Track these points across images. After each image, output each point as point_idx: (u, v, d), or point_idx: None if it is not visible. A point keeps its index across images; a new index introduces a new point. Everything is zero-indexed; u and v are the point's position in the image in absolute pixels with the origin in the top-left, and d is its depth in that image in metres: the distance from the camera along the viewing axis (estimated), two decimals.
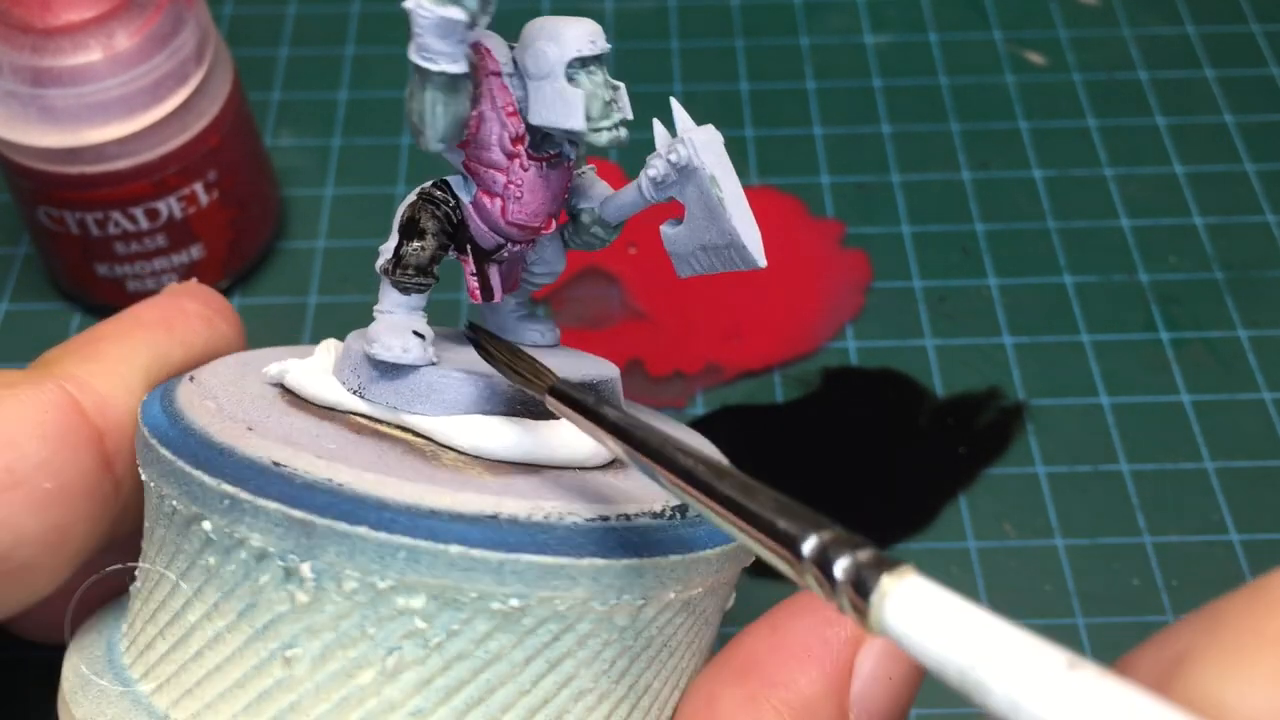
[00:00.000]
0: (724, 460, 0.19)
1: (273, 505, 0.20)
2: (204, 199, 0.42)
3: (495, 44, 0.23)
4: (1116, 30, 0.54)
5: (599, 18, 0.54)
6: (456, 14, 0.21)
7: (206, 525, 0.21)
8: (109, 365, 0.25)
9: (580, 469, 0.24)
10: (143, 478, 0.23)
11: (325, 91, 0.52)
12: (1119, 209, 0.48)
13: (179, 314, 0.27)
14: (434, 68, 0.22)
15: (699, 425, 0.41)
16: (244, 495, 0.21)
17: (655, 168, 0.23)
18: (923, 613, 0.15)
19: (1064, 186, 0.48)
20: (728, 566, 0.24)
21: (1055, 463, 0.40)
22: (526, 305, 0.27)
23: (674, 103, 0.24)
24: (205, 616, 0.21)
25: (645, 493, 0.23)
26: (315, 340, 0.44)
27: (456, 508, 0.20)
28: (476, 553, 0.20)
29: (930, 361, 0.43)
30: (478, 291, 0.24)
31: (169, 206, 0.42)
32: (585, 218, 0.25)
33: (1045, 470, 0.40)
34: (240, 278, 0.45)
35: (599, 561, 0.21)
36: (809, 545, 0.16)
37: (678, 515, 0.23)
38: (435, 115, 0.22)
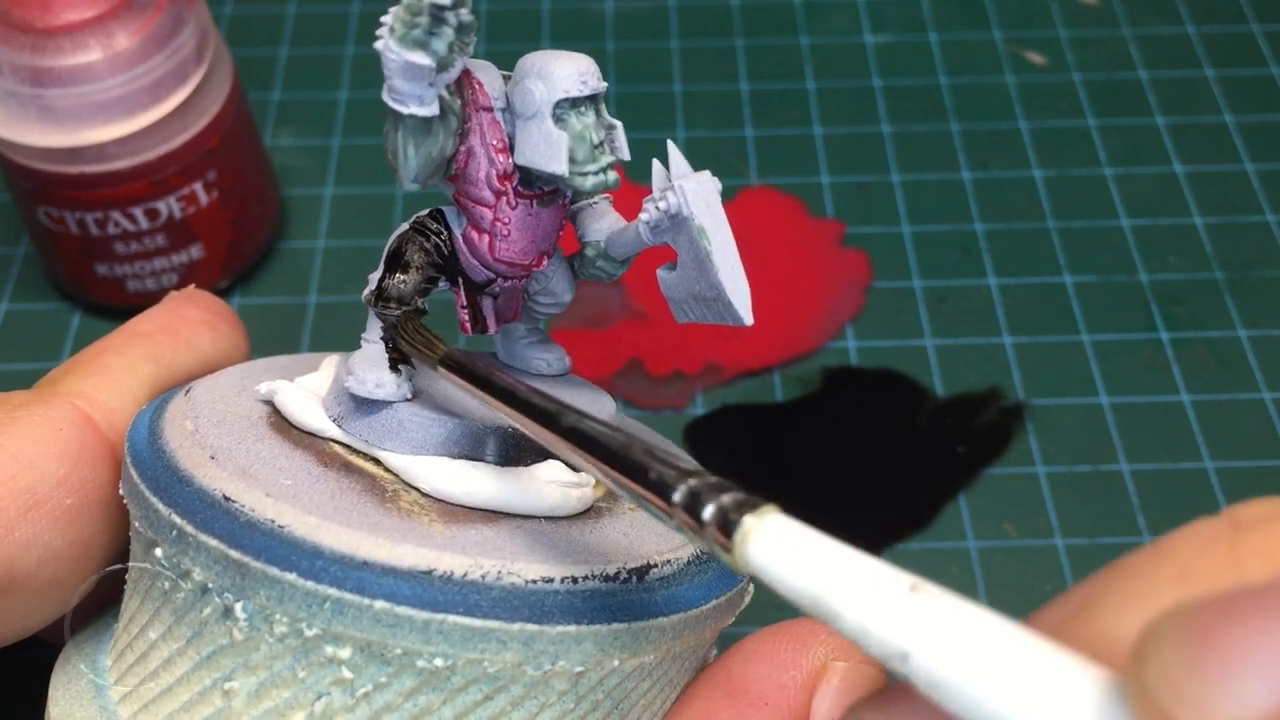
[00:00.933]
0: (613, 424, 0.20)
1: (213, 542, 0.21)
2: (204, 199, 0.42)
3: (489, 77, 0.23)
4: (1116, 30, 0.54)
5: (599, 18, 0.54)
6: (423, 59, 0.20)
7: (158, 552, 0.21)
8: (114, 377, 0.25)
9: (548, 519, 0.23)
10: (119, 493, 0.23)
11: (325, 91, 0.52)
12: (1119, 209, 0.48)
13: (180, 321, 0.27)
14: (404, 110, 0.21)
15: (699, 425, 0.41)
16: (189, 528, 0.21)
17: (649, 213, 0.22)
18: (781, 548, 0.15)
19: (1064, 186, 0.48)
20: (687, 634, 0.23)
21: (1055, 463, 0.40)
22: (537, 332, 0.26)
23: (670, 146, 0.23)
24: (162, 636, 0.22)
25: (605, 549, 0.22)
26: (314, 340, 0.44)
27: (391, 560, 0.20)
28: (402, 610, 0.20)
29: (930, 361, 0.43)
30: (468, 324, 0.24)
31: (169, 206, 0.42)
32: (590, 251, 0.24)
33: (1045, 470, 0.40)
34: (240, 278, 0.45)
35: (530, 627, 0.20)
36: (679, 492, 0.17)
37: (633, 579, 0.22)
38: (407, 156, 0.22)
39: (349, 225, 0.48)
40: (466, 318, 0.24)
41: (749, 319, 0.22)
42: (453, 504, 0.23)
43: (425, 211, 0.24)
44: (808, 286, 0.45)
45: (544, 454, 0.24)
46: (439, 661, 0.20)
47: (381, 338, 0.23)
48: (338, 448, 0.24)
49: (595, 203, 0.24)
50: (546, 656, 0.21)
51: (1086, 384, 0.42)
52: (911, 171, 0.49)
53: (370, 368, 0.23)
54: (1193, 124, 0.50)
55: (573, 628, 0.21)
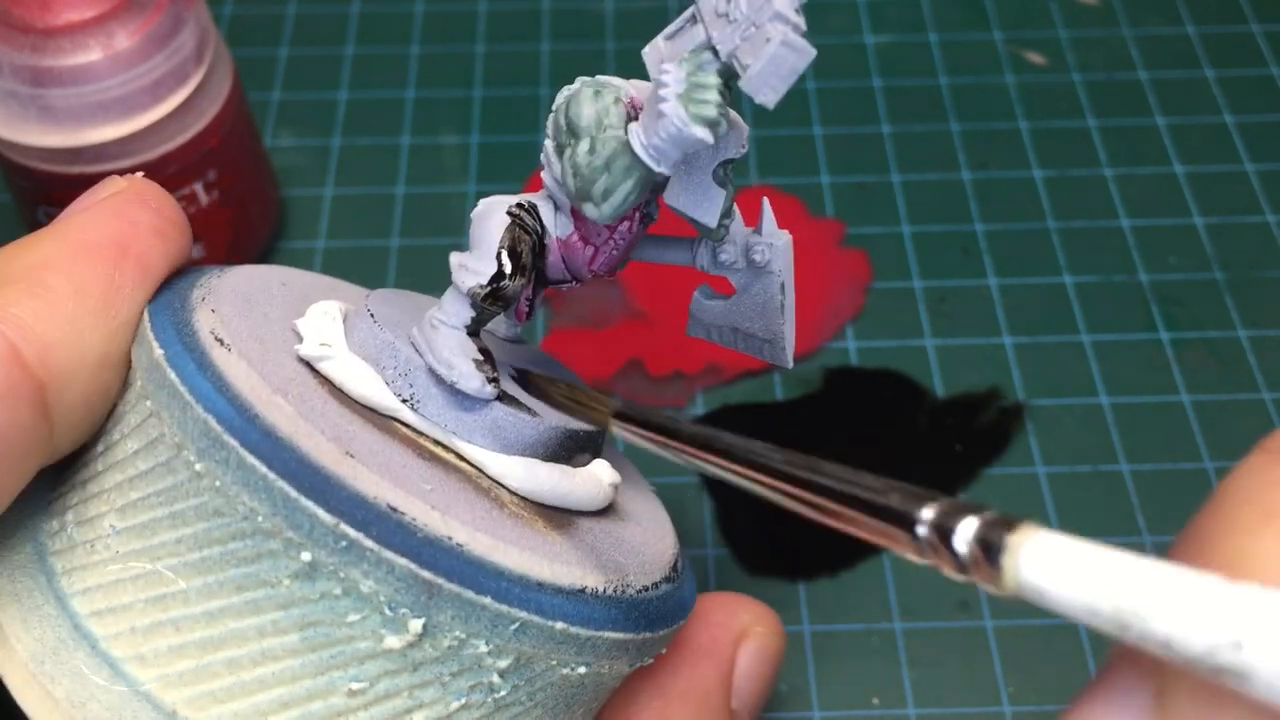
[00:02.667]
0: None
1: (401, 561, 0.20)
2: (204, 199, 0.42)
3: (642, 97, 0.23)
4: (1116, 30, 0.54)
5: (599, 18, 0.54)
6: (707, 137, 0.20)
7: (306, 556, 0.20)
8: (58, 304, 0.22)
9: (594, 514, 0.25)
10: (196, 466, 0.21)
11: (325, 91, 0.52)
12: (1119, 209, 0.48)
13: (132, 230, 0.23)
14: (655, 168, 0.21)
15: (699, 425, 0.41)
16: (368, 543, 0.20)
17: (728, 253, 0.24)
18: (1058, 564, 0.14)
19: (1064, 186, 0.48)
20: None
21: (1055, 463, 0.40)
22: (516, 329, 0.27)
23: (765, 202, 0.24)
24: (256, 629, 0.21)
25: (653, 548, 0.25)
26: None
27: (555, 580, 0.22)
28: (575, 630, 0.22)
29: (930, 361, 0.43)
30: (526, 315, 0.25)
31: None
32: None
33: (1045, 470, 0.40)
34: None
35: (646, 634, 0.23)
36: (923, 524, 0.16)
37: (679, 573, 0.25)
38: (624, 200, 0.22)
39: (349, 225, 0.48)
40: (527, 310, 0.25)
41: (792, 363, 0.25)
42: (533, 501, 0.24)
43: (515, 202, 0.23)
44: (808, 286, 0.45)
45: (595, 451, 0.26)
46: (581, 670, 0.22)
47: (468, 329, 0.23)
48: (405, 430, 0.23)
49: None
50: (643, 655, 0.24)
51: (1086, 384, 0.42)
52: (911, 171, 0.49)
53: (463, 358, 0.23)
54: (1193, 124, 0.50)
55: (662, 632, 0.24)
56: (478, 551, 0.21)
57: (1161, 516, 0.39)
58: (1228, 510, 0.15)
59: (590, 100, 0.22)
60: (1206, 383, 0.42)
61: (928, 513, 0.16)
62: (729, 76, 0.21)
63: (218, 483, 0.21)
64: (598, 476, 0.25)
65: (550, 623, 0.21)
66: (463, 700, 0.21)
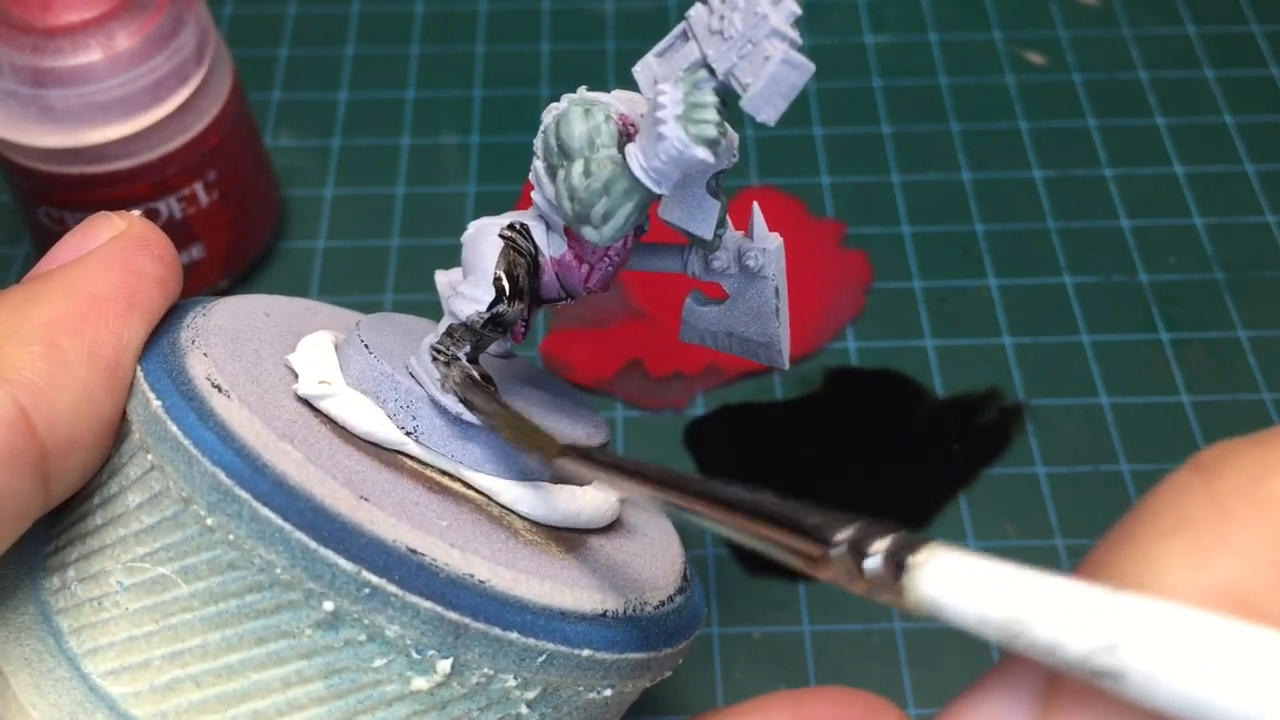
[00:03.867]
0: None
1: (426, 604, 0.20)
2: (204, 199, 0.42)
3: (634, 113, 0.23)
4: (1116, 30, 0.54)
5: (599, 18, 0.54)
6: (709, 157, 0.20)
7: (329, 605, 0.20)
8: (69, 369, 0.21)
9: (597, 531, 0.25)
10: (207, 521, 0.20)
11: (325, 91, 0.52)
12: (1119, 209, 0.48)
13: (137, 281, 0.23)
14: (657, 190, 0.21)
15: (699, 426, 0.41)
16: (391, 588, 0.20)
17: (721, 260, 0.24)
18: (955, 579, 0.15)
19: (1064, 186, 0.48)
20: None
21: (1055, 463, 0.40)
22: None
23: (755, 208, 0.25)
24: (281, 680, 0.21)
25: (659, 565, 0.25)
26: None
27: (577, 607, 0.22)
28: (600, 655, 0.22)
29: (930, 361, 0.43)
30: (521, 336, 0.25)
31: (169, 206, 0.42)
32: None
33: (1045, 470, 0.40)
34: (240, 278, 0.45)
35: (666, 650, 0.23)
36: (841, 536, 0.17)
37: (689, 586, 0.26)
38: (624, 222, 0.21)
39: (349, 225, 0.48)
40: (523, 331, 0.24)
41: (788, 365, 0.25)
42: (543, 524, 0.24)
43: (507, 224, 0.23)
44: (808, 286, 0.45)
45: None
46: (608, 693, 0.22)
47: (468, 356, 0.23)
48: (411, 463, 0.23)
49: None
50: (663, 669, 0.24)
51: (1086, 384, 0.42)
52: (911, 171, 0.49)
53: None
54: (1193, 124, 0.50)
55: (681, 646, 0.24)
56: (501, 587, 0.21)
57: None
58: (1143, 520, 0.15)
59: (580, 119, 0.22)
60: (1206, 383, 0.42)
61: (844, 533, 0.17)
62: (726, 94, 0.21)
63: (231, 536, 0.20)
64: (604, 493, 0.25)
65: (576, 651, 0.21)
66: None
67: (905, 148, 0.50)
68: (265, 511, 0.20)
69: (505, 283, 0.22)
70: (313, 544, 0.20)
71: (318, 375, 0.23)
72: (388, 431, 0.23)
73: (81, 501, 0.23)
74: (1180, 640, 0.13)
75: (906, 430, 0.41)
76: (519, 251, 0.23)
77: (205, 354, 0.23)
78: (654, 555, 0.25)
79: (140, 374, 0.22)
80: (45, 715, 0.21)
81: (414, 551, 0.20)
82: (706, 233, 0.23)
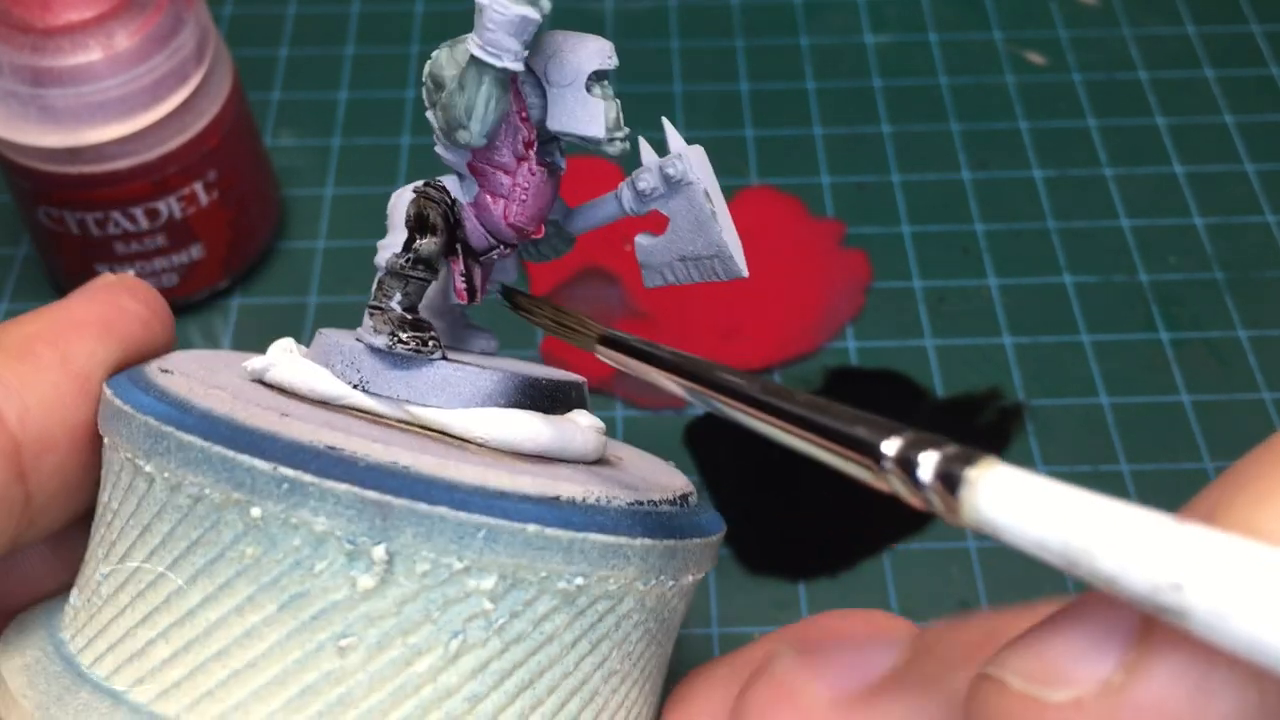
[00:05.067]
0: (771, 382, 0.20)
1: (342, 487, 0.20)
2: (204, 199, 0.42)
3: None
4: (1116, 30, 0.54)
5: (599, 18, 0.54)
6: (533, 13, 0.22)
7: (255, 511, 0.20)
8: (42, 370, 0.23)
9: (583, 463, 0.24)
10: (146, 469, 0.21)
11: (325, 91, 0.52)
12: (1119, 209, 0.48)
13: (118, 314, 0.25)
14: (498, 64, 0.22)
15: (699, 425, 0.41)
16: (307, 478, 0.20)
17: (645, 180, 0.24)
18: (1014, 498, 0.15)
19: (1064, 186, 0.48)
20: (712, 554, 0.25)
21: (1055, 463, 0.40)
22: (468, 315, 0.27)
23: (665, 122, 0.25)
24: (235, 611, 0.21)
25: (652, 483, 0.24)
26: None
27: (520, 489, 0.21)
28: (551, 532, 0.21)
29: (930, 361, 0.43)
30: (464, 292, 0.25)
31: (169, 206, 0.42)
32: (549, 229, 0.26)
33: (1045, 470, 0.40)
34: (240, 278, 0.45)
35: (648, 542, 0.22)
36: (890, 448, 0.16)
37: (684, 503, 0.24)
38: (486, 111, 0.22)
39: (349, 225, 0.48)
40: (463, 286, 0.25)
41: (745, 270, 0.24)
42: (508, 451, 0.23)
43: (420, 181, 0.24)
44: (808, 286, 0.45)
45: (569, 405, 0.25)
46: (578, 581, 0.21)
47: (401, 300, 0.23)
48: (364, 417, 0.23)
49: None
50: (654, 570, 0.22)
51: (1086, 384, 0.42)
52: (911, 171, 0.49)
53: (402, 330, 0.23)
54: (1193, 124, 0.50)
55: (672, 541, 0.22)
56: (425, 470, 0.20)
57: None
58: (1260, 462, 0.15)
59: (448, 54, 0.23)
60: (1206, 383, 0.42)
61: (892, 444, 0.16)
62: None
63: (166, 474, 0.21)
64: (576, 420, 0.24)
65: (520, 525, 0.20)
66: (460, 637, 0.21)
67: (905, 148, 0.50)
68: (188, 438, 0.21)
69: (414, 222, 0.24)
70: (230, 453, 0.20)
71: (268, 357, 0.24)
72: (334, 386, 0.23)
73: (90, 544, 0.24)
74: (1250, 580, 0.13)
75: None
76: (430, 199, 0.24)
77: (165, 367, 0.24)
78: (638, 478, 0.24)
79: (106, 388, 0.23)
80: (34, 702, 0.22)
81: (332, 448, 0.20)
82: (597, 130, 0.23)
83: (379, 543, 0.20)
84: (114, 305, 0.25)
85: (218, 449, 0.21)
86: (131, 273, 0.26)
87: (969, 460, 0.15)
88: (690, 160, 0.24)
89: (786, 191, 0.48)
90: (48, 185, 0.41)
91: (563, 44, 0.24)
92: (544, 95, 0.24)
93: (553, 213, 0.25)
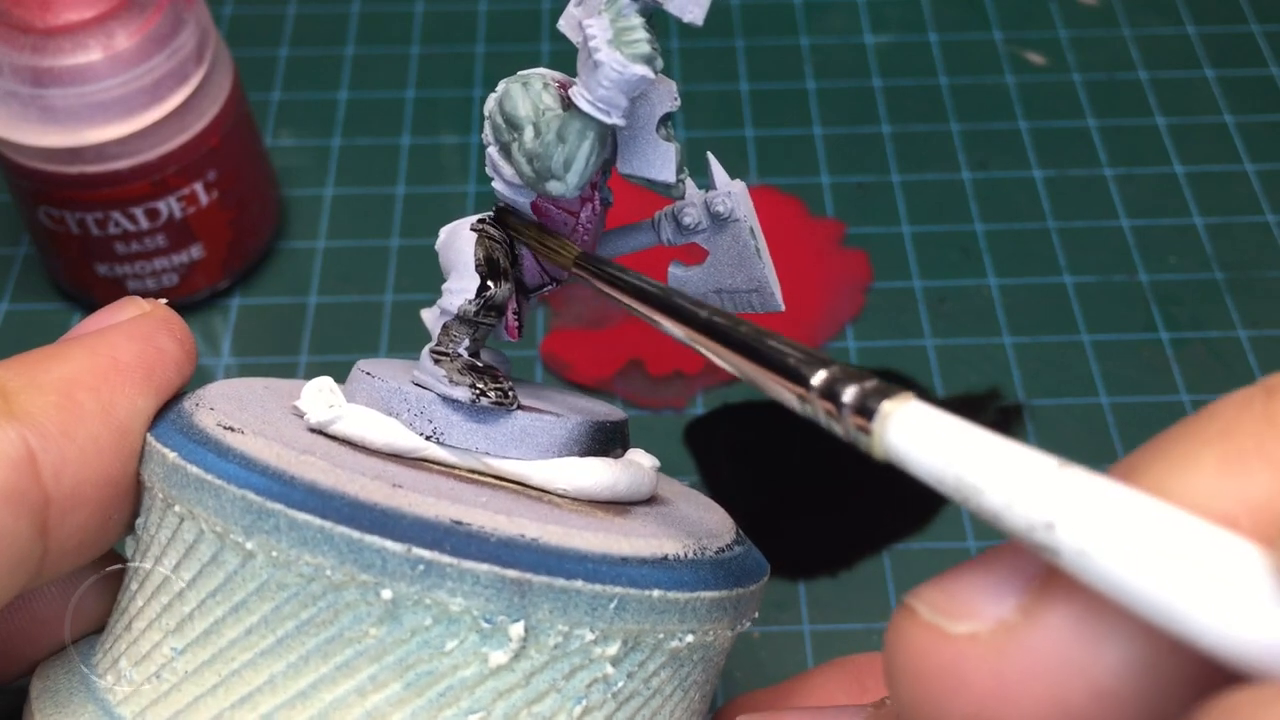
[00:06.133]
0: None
1: (483, 567, 0.20)
2: (204, 199, 0.42)
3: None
4: (1116, 30, 0.54)
5: None
6: (649, 73, 0.21)
7: (386, 594, 0.20)
8: (84, 422, 0.22)
9: (642, 503, 0.25)
10: (247, 546, 0.20)
11: (325, 91, 0.52)
12: (1119, 209, 0.48)
13: (157, 356, 0.24)
14: (607, 120, 0.21)
15: (699, 425, 0.41)
16: (444, 559, 0.19)
17: (690, 215, 0.24)
18: (921, 430, 0.16)
19: (1064, 186, 0.48)
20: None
21: None
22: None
23: (710, 157, 0.25)
24: (355, 692, 0.20)
25: (712, 524, 0.25)
26: (314, 340, 0.44)
27: (635, 553, 0.21)
28: (671, 595, 0.21)
29: (930, 361, 0.43)
30: (516, 330, 0.24)
31: (169, 206, 0.42)
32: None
33: None
34: (240, 278, 0.45)
35: (739, 590, 0.23)
36: (818, 378, 0.17)
37: (738, 546, 0.25)
38: (586, 164, 0.22)
39: (349, 225, 0.48)
40: (516, 324, 0.24)
41: (783, 305, 0.25)
42: (587, 500, 0.23)
43: (476, 219, 0.24)
44: (808, 286, 0.45)
45: (624, 443, 0.25)
46: (690, 639, 0.22)
47: (469, 346, 0.23)
48: (438, 468, 0.23)
49: None
50: (743, 615, 0.23)
51: (1086, 384, 0.42)
52: (911, 171, 0.49)
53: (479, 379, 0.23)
54: (1193, 124, 0.50)
55: (752, 587, 0.23)
56: (555, 542, 0.20)
57: None
58: (1191, 424, 0.15)
59: (521, 92, 0.22)
60: (1206, 383, 0.42)
61: (820, 375, 0.17)
62: (649, 12, 0.21)
63: (274, 553, 0.20)
64: (639, 462, 0.25)
65: (646, 592, 0.21)
66: (582, 703, 0.21)
67: (905, 148, 0.50)
68: (303, 516, 0.20)
69: (486, 266, 0.23)
70: (356, 534, 0.20)
71: (326, 404, 0.23)
72: (407, 439, 0.23)
73: (121, 599, 0.23)
74: (1117, 520, 0.13)
75: None
76: (492, 238, 0.23)
77: (211, 409, 0.23)
78: (702, 518, 0.25)
79: (151, 437, 0.22)
80: None
81: (459, 522, 0.20)
82: (669, 175, 0.23)
83: (517, 620, 0.20)
84: (154, 347, 0.24)
85: (341, 530, 0.20)
86: (163, 301, 0.25)
87: (886, 394, 0.16)
88: (737, 197, 0.24)
89: (786, 191, 0.48)
90: (48, 185, 0.41)
91: None
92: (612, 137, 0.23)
93: None
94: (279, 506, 0.20)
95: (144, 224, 0.42)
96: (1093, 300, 0.45)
